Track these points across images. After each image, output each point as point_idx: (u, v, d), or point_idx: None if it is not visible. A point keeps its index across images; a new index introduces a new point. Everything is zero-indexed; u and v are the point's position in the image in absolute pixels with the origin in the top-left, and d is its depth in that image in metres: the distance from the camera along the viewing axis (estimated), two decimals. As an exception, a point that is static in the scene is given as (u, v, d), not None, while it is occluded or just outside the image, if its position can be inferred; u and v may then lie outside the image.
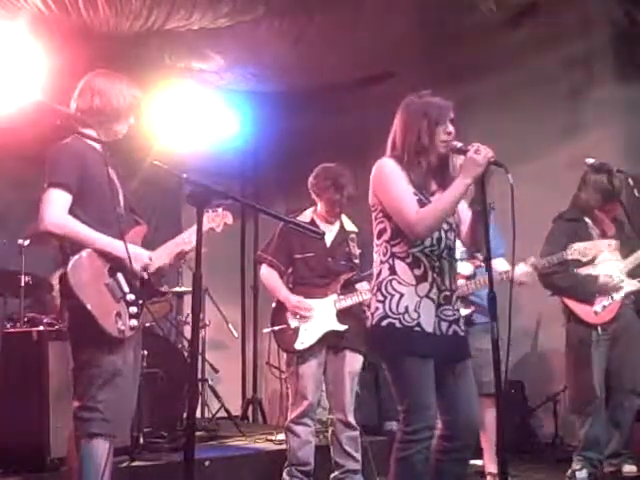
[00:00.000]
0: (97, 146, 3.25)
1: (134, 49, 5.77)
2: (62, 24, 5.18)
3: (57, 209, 3.08)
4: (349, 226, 4.58)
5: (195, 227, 3.32)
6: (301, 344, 4.33)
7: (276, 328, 4.42)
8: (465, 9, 5.70)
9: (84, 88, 3.32)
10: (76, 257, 3.07)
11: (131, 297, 3.16)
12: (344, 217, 4.59)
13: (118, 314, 3.09)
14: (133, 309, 3.15)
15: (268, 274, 4.53)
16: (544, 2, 5.96)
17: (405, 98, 3.13)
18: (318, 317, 4.35)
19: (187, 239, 3.36)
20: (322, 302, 4.38)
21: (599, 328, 4.51)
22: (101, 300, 3.07)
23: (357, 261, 4.42)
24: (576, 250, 4.12)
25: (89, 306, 3.03)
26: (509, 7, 5.92)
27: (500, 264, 4.41)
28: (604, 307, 4.53)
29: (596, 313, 4.54)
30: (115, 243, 3.13)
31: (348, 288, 4.42)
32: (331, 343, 4.38)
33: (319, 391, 4.43)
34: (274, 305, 4.53)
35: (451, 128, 3.03)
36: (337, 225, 4.55)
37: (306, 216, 4.54)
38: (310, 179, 4.51)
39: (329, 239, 4.49)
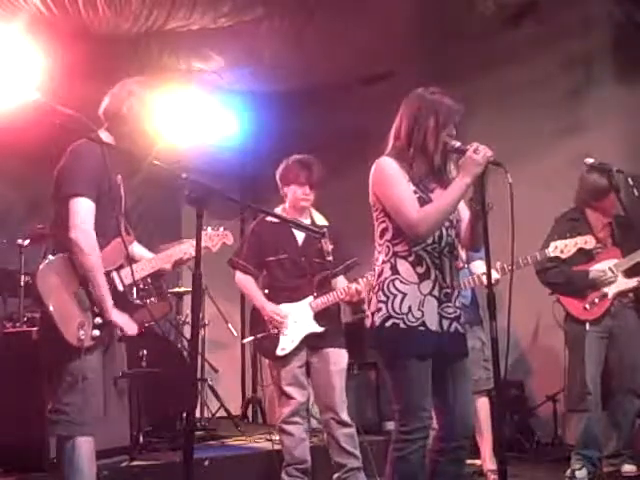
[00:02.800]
0: (104, 150, 3.26)
1: (134, 49, 5.77)
2: (62, 24, 5.19)
3: (87, 219, 3.09)
4: (320, 220, 4.54)
5: (192, 241, 3.35)
6: (282, 350, 4.30)
7: (257, 337, 4.38)
8: (465, 9, 5.71)
9: (116, 93, 3.33)
10: (50, 259, 3.11)
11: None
12: (314, 211, 4.55)
13: (81, 323, 3.08)
14: (98, 320, 3.13)
15: (244, 280, 4.47)
16: (544, 2, 5.96)
17: (415, 90, 3.10)
18: (296, 321, 4.32)
19: (180, 253, 3.36)
20: (298, 305, 4.34)
21: (587, 324, 4.54)
22: (65, 307, 3.08)
23: (330, 258, 4.34)
24: (557, 247, 4.16)
25: (51, 312, 3.05)
26: (509, 7, 5.92)
27: (480, 267, 4.44)
28: (594, 303, 4.56)
29: (585, 309, 4.58)
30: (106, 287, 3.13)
31: (323, 287, 4.38)
32: (311, 344, 4.35)
33: (305, 390, 4.39)
34: (251, 311, 4.51)
35: (453, 131, 3.03)
36: (307, 221, 4.49)
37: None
38: (276, 176, 4.50)
39: (300, 237, 4.43)
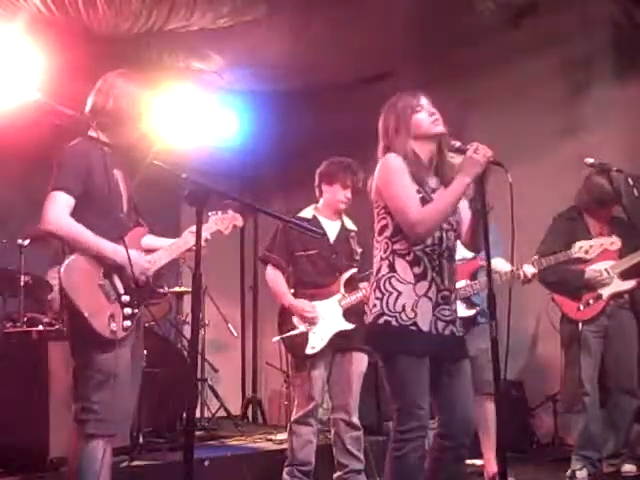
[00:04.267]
0: (104, 148, 3.26)
1: (134, 49, 5.77)
2: (62, 24, 5.19)
3: (59, 210, 3.11)
4: (349, 225, 4.56)
5: (204, 225, 3.37)
6: (312, 349, 4.27)
7: (285, 336, 4.35)
8: (465, 9, 5.71)
9: (100, 88, 3.32)
10: (71, 258, 3.11)
11: (126, 298, 3.17)
12: (344, 216, 4.57)
13: (111, 315, 3.09)
14: (127, 310, 3.16)
15: (274, 276, 4.46)
16: (544, 2, 5.96)
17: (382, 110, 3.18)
18: (325, 319, 4.32)
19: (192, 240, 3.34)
20: (327, 303, 4.35)
21: (580, 324, 4.55)
22: (93, 301, 3.09)
23: (358, 258, 4.40)
24: (581, 248, 4.14)
25: (81, 307, 3.05)
26: (509, 7, 5.92)
27: (500, 264, 4.39)
28: (588, 304, 4.56)
29: (579, 309, 4.58)
30: (113, 247, 3.15)
31: (351, 285, 4.38)
32: (339, 345, 4.34)
33: (324, 392, 4.42)
34: (279, 310, 4.48)
35: (431, 109, 3.06)
36: (339, 222, 4.52)
37: (307, 213, 4.51)
38: (318, 170, 4.49)
39: (332, 235, 4.46)
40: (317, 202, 4.56)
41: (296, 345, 4.34)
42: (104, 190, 3.19)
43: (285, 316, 4.41)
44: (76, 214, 3.15)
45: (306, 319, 4.31)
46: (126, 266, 3.13)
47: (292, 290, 4.45)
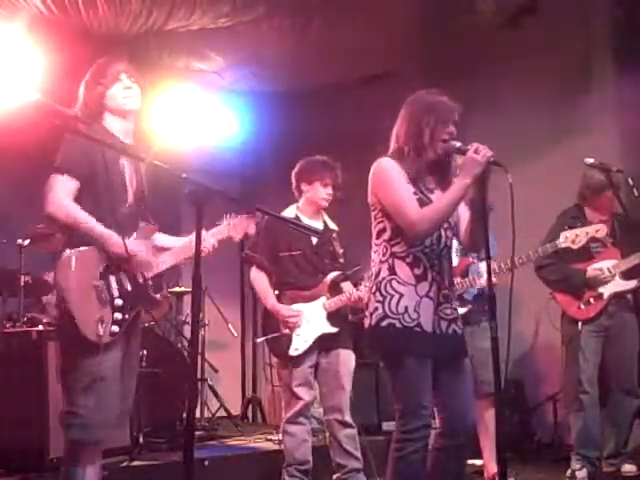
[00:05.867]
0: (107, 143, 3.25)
1: (134, 49, 5.77)
2: (62, 24, 5.19)
3: (61, 193, 3.06)
4: (331, 225, 4.54)
5: (215, 229, 3.33)
6: (295, 350, 4.27)
7: (269, 337, 4.36)
8: (465, 9, 5.71)
9: (80, 89, 3.33)
10: (69, 252, 3.03)
11: (119, 302, 3.09)
12: (325, 216, 4.55)
13: (101, 319, 3.00)
14: (118, 315, 3.06)
15: (258, 278, 4.44)
16: (544, 2, 5.96)
17: (415, 93, 3.12)
18: (309, 321, 4.31)
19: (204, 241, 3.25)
20: (311, 306, 4.34)
21: (580, 323, 4.54)
22: (85, 302, 3.01)
23: (342, 260, 4.37)
24: (568, 238, 4.12)
25: (70, 306, 2.99)
26: (509, 7, 5.92)
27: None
28: (589, 303, 4.55)
29: (579, 307, 4.57)
30: (112, 236, 3.07)
31: (335, 289, 4.37)
32: (323, 345, 4.34)
33: (312, 390, 4.39)
34: (263, 311, 4.47)
35: (452, 129, 3.03)
36: (321, 222, 4.49)
37: (290, 212, 4.47)
38: (295, 171, 4.48)
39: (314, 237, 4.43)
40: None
41: (280, 346, 4.33)
42: (106, 185, 3.13)
43: (269, 318, 4.40)
44: (78, 201, 3.09)
45: (289, 324, 4.30)
46: (130, 259, 3.06)
47: (276, 292, 4.42)
